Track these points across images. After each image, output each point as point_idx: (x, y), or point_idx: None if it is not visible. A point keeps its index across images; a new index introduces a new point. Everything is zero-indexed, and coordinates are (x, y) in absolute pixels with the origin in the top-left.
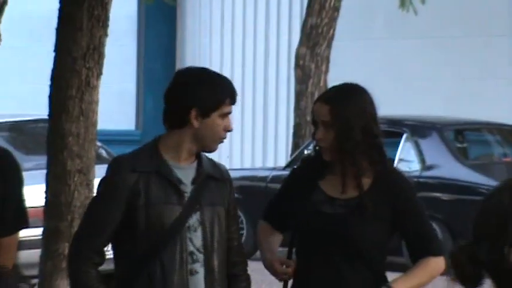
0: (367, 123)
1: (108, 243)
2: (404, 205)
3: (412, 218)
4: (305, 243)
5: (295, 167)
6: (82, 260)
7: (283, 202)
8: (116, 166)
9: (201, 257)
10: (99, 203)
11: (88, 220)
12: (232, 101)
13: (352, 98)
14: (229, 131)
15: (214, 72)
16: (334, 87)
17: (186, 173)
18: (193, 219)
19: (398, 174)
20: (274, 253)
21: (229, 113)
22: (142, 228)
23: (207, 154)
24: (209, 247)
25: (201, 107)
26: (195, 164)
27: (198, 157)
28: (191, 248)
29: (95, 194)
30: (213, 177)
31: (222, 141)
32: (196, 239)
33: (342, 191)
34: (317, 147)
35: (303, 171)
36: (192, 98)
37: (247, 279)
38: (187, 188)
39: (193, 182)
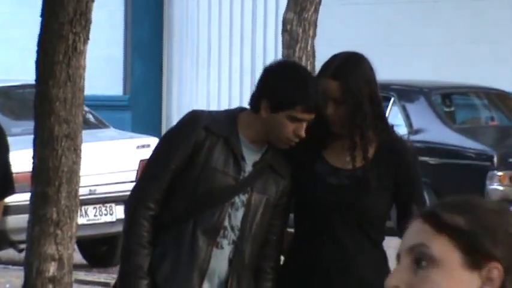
0: (372, 92)
1: (165, 190)
2: (406, 175)
3: (410, 187)
4: (306, 213)
5: None
6: (141, 210)
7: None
8: (190, 118)
9: (232, 235)
10: (164, 151)
11: (153, 165)
12: (306, 109)
13: (357, 69)
14: (299, 136)
15: (306, 75)
16: (335, 58)
17: (251, 154)
18: (240, 199)
19: (402, 143)
20: None
21: (302, 120)
22: (192, 185)
23: None
24: (246, 230)
25: (271, 100)
26: (263, 150)
27: (269, 145)
28: (226, 223)
29: (161, 139)
30: (274, 169)
31: (290, 144)
32: (235, 218)
33: (351, 163)
34: (318, 118)
35: (305, 141)
36: (266, 89)
37: (274, 280)
38: (247, 168)
39: (254, 165)
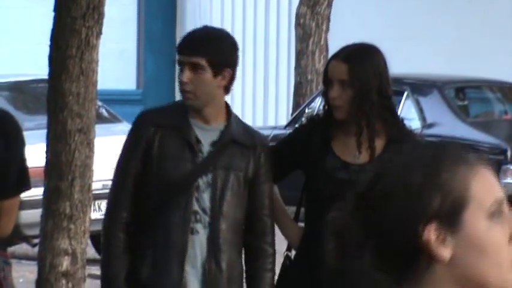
0: (382, 84)
1: (136, 195)
2: None
3: None
4: (316, 208)
5: (297, 125)
6: (113, 221)
7: (285, 155)
8: (137, 119)
9: (205, 218)
10: (122, 159)
11: (115, 177)
12: (179, 49)
13: (369, 57)
14: (181, 82)
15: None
16: (349, 45)
17: (207, 134)
18: (204, 180)
19: (412, 137)
20: (288, 215)
21: (181, 62)
22: (152, 181)
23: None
24: (216, 210)
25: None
26: (221, 127)
27: (228, 120)
28: (195, 208)
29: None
30: (238, 142)
31: (182, 94)
32: (203, 200)
33: (357, 153)
34: (326, 107)
35: (312, 131)
36: None
37: (273, 255)
38: (205, 149)
39: (213, 144)
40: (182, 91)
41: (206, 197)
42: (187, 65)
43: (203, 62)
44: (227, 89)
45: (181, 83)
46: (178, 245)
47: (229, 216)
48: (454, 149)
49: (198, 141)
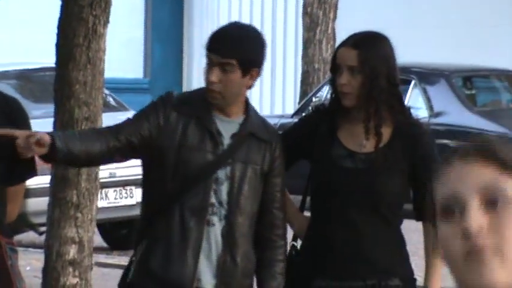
0: (391, 71)
1: (126, 143)
2: (423, 157)
3: (427, 169)
4: (322, 197)
5: (304, 114)
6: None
7: (290, 144)
8: (165, 97)
9: (222, 211)
10: (135, 115)
11: (119, 124)
12: (209, 48)
13: (378, 44)
14: (208, 81)
15: (224, 25)
16: (358, 33)
17: (227, 127)
18: (222, 173)
19: (418, 125)
20: (294, 204)
21: (210, 60)
22: (171, 169)
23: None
24: (233, 203)
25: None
26: (240, 120)
27: (247, 113)
28: (213, 200)
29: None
30: (255, 136)
31: (208, 93)
32: (221, 192)
33: (365, 140)
34: (333, 95)
35: (318, 120)
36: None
37: (284, 247)
38: (225, 141)
39: (233, 136)
40: (209, 90)
41: (224, 189)
42: (217, 65)
43: (234, 62)
44: (250, 86)
45: (209, 82)
46: (194, 236)
47: (245, 210)
48: None
49: (219, 132)
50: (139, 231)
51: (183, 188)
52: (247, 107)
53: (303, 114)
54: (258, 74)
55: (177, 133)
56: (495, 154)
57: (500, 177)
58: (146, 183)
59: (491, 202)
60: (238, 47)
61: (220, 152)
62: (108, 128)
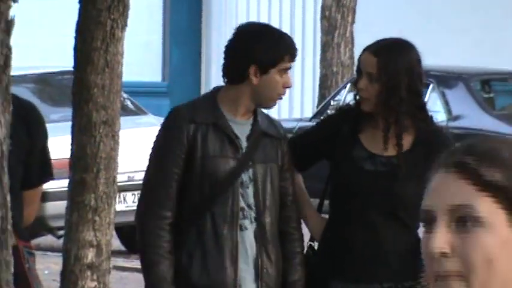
0: (413, 81)
1: (175, 194)
2: None
3: None
4: (341, 198)
5: (326, 114)
6: (156, 220)
7: (312, 144)
8: (174, 116)
9: (251, 213)
10: (163, 155)
11: (155, 175)
12: (292, 57)
13: (401, 53)
14: (288, 87)
15: (274, 29)
16: (383, 39)
17: (242, 129)
18: (246, 176)
19: (440, 132)
20: (312, 206)
21: (288, 69)
22: (197, 180)
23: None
24: (261, 204)
25: (261, 63)
26: (251, 120)
27: (255, 113)
28: (242, 204)
29: (153, 146)
30: (267, 134)
31: (280, 98)
32: (248, 195)
33: (384, 147)
34: (356, 97)
35: (342, 121)
36: (252, 54)
37: (300, 239)
38: (243, 144)
39: (248, 138)
40: (282, 95)
41: (250, 192)
42: (288, 71)
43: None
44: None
45: (285, 88)
46: (228, 242)
47: (271, 209)
48: None
49: (236, 136)
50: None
51: (211, 197)
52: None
53: (321, 117)
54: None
55: (198, 143)
56: (477, 171)
57: (476, 196)
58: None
59: (462, 222)
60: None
61: (240, 155)
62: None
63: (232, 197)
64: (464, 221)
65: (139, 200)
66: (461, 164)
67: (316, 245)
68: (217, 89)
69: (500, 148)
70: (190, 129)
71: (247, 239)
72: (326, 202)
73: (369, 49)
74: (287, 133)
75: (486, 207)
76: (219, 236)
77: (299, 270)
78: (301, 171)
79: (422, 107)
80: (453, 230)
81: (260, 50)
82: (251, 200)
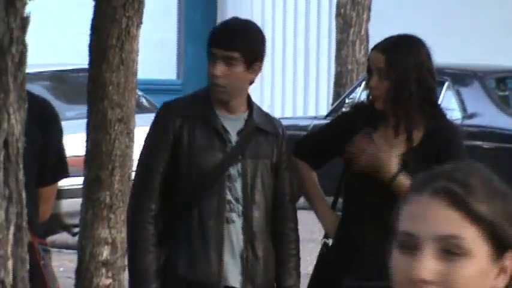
0: (423, 76)
1: (162, 188)
2: (447, 159)
3: None
4: (354, 197)
5: (340, 112)
6: (140, 213)
7: (326, 141)
8: (162, 111)
9: (238, 207)
10: (148, 150)
11: (141, 169)
12: (214, 44)
13: (409, 49)
14: (212, 75)
15: (227, 20)
16: (392, 36)
17: (233, 123)
18: (234, 170)
19: (449, 129)
20: (326, 203)
21: (215, 55)
22: (184, 173)
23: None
24: (248, 199)
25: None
26: (245, 116)
27: (250, 109)
28: (229, 197)
29: (144, 140)
30: (262, 130)
31: (213, 87)
32: (235, 189)
33: (394, 140)
34: (370, 96)
35: (356, 118)
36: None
37: (296, 241)
38: (232, 138)
39: (239, 133)
40: (212, 84)
41: (238, 186)
42: (221, 59)
43: (237, 55)
44: (253, 81)
45: (213, 76)
46: (215, 235)
47: (261, 204)
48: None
49: (226, 130)
50: (160, 237)
51: (198, 190)
52: (250, 102)
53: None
54: (260, 68)
55: (184, 137)
56: (465, 201)
57: (464, 226)
58: (164, 188)
59: (448, 251)
60: (240, 40)
61: (229, 149)
62: (147, 207)
63: (219, 190)
64: (450, 250)
65: (131, 193)
66: (449, 191)
67: (330, 242)
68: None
69: (485, 180)
70: (177, 122)
71: (234, 232)
72: (340, 200)
73: (377, 47)
74: (301, 131)
75: (471, 238)
76: (206, 228)
77: (294, 274)
78: (316, 168)
79: (433, 102)
80: (438, 257)
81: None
82: (239, 194)
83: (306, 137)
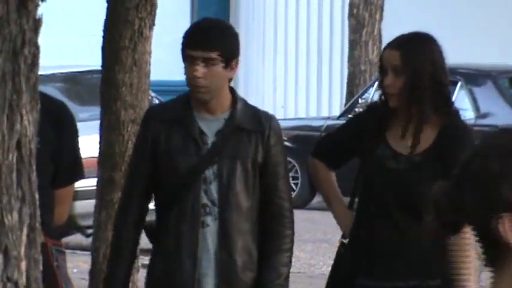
0: (436, 72)
1: (149, 193)
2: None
3: None
4: (367, 197)
5: (354, 112)
6: (121, 218)
7: (342, 142)
8: (144, 115)
9: (214, 210)
10: (133, 157)
11: (127, 173)
12: (190, 46)
13: (423, 45)
14: (193, 77)
15: (200, 21)
16: (404, 34)
17: (211, 125)
18: (210, 172)
19: (463, 128)
20: (343, 202)
21: (192, 57)
22: (162, 177)
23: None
24: (224, 201)
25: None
26: (225, 115)
27: (234, 107)
28: (204, 200)
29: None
30: (244, 129)
31: (195, 89)
32: (211, 192)
33: (402, 135)
34: (383, 96)
35: (369, 118)
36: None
37: (288, 236)
38: (209, 140)
39: (217, 134)
40: (193, 86)
41: (214, 188)
42: (199, 60)
43: (216, 55)
44: (231, 79)
45: (193, 78)
46: (189, 240)
47: (239, 205)
48: None
49: (202, 132)
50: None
51: (173, 194)
52: (235, 100)
53: (350, 116)
54: (237, 65)
55: (161, 140)
56: None
57: None
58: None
59: None
60: (218, 40)
61: (205, 151)
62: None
63: (194, 193)
64: None
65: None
66: None
67: (347, 242)
68: None
69: None
70: (156, 127)
71: (210, 235)
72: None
73: (390, 45)
74: (314, 131)
75: None
76: (180, 232)
77: (278, 269)
78: (334, 169)
79: (447, 100)
80: None
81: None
82: (215, 196)
83: (323, 138)
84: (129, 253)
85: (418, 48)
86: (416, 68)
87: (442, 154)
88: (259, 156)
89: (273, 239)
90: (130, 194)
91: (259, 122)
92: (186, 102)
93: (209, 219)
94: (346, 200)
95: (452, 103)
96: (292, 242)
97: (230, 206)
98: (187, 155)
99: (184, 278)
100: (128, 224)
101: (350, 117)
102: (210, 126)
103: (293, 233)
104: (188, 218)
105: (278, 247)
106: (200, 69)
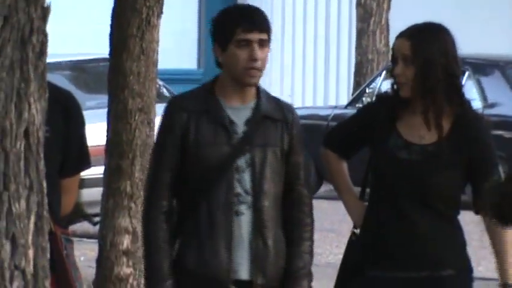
0: (448, 63)
1: (176, 185)
2: (481, 152)
3: (484, 164)
4: (378, 187)
5: (361, 101)
6: (153, 211)
7: (353, 132)
8: (168, 107)
9: (248, 198)
10: (158, 147)
11: (152, 166)
12: (247, 29)
13: (434, 35)
14: (254, 59)
15: (239, 5)
16: (416, 24)
17: (240, 114)
18: (242, 161)
19: (478, 119)
20: (354, 193)
21: (248, 40)
22: (192, 168)
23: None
24: (258, 189)
25: (219, 41)
26: (252, 104)
27: (258, 97)
28: (238, 190)
29: (156, 135)
30: (271, 117)
31: (251, 72)
32: (244, 180)
33: (423, 133)
34: (394, 86)
35: (380, 109)
36: (213, 35)
37: (310, 224)
38: (239, 129)
39: (247, 122)
40: (249, 69)
41: (247, 177)
42: (255, 43)
43: (267, 37)
44: None
45: (251, 61)
46: (224, 229)
47: (271, 193)
48: None
49: (232, 122)
50: (172, 231)
51: (205, 184)
52: (258, 89)
53: (357, 105)
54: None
55: (191, 131)
56: None
57: None
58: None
59: None
60: (267, 21)
61: (236, 141)
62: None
63: (227, 183)
64: None
65: (143, 188)
66: None
67: (358, 231)
68: (217, 77)
69: None
70: (183, 118)
71: (244, 224)
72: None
73: (401, 35)
74: (322, 120)
75: None
76: (214, 223)
77: (305, 257)
78: (346, 159)
79: (459, 90)
80: None
81: (216, 28)
82: (248, 185)
83: (334, 128)
84: (168, 245)
85: (429, 39)
86: (426, 58)
87: (457, 145)
88: (285, 145)
89: (295, 227)
90: (159, 187)
91: (282, 111)
92: (211, 92)
93: (243, 208)
94: (358, 190)
95: (464, 95)
96: (312, 231)
97: (263, 194)
98: (218, 144)
99: (220, 266)
100: (161, 214)
101: (361, 107)
102: (238, 115)
103: (313, 221)
104: (223, 207)
105: (301, 235)
106: (258, 52)
